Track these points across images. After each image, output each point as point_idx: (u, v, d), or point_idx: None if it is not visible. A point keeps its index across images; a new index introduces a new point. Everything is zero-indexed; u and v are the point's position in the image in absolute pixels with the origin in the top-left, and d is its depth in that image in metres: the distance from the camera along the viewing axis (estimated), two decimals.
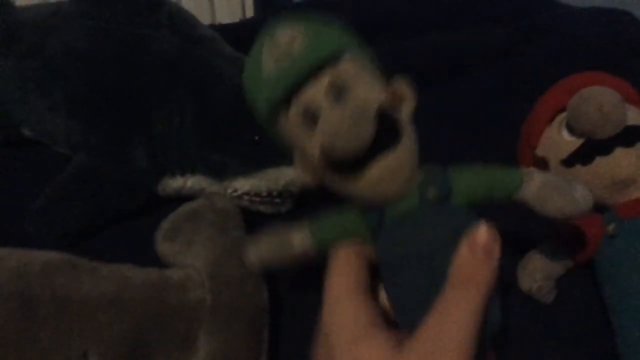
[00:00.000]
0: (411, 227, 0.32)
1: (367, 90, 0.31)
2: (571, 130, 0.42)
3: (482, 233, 0.29)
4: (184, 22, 0.52)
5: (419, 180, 0.32)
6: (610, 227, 0.40)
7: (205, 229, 0.43)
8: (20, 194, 0.50)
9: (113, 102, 0.50)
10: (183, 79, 0.49)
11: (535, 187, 0.32)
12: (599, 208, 0.41)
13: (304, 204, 0.50)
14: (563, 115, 0.43)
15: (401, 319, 0.33)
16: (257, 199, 0.49)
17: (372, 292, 0.34)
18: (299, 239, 0.35)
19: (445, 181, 0.32)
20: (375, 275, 0.34)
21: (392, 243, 0.32)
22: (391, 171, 0.31)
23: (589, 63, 0.52)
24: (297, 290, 0.45)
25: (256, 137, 0.46)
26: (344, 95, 0.30)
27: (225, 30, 0.56)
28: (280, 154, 0.46)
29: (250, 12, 0.85)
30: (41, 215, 0.48)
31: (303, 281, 0.46)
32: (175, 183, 0.49)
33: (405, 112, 0.33)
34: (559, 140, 0.43)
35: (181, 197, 0.49)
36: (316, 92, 0.31)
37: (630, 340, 0.37)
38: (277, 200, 0.49)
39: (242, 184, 0.48)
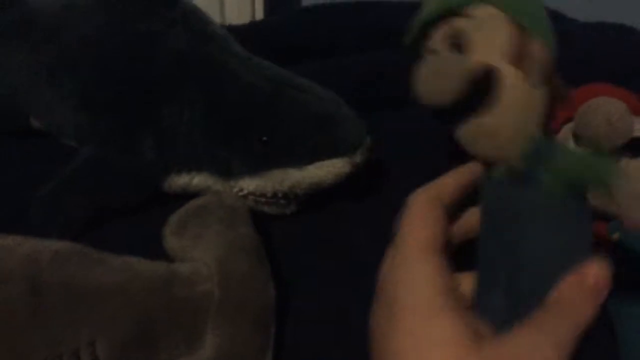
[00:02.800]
0: (496, 195, 0.31)
1: (477, 51, 0.31)
2: (578, 140, 0.43)
3: (595, 272, 0.28)
4: (197, 20, 0.53)
5: (522, 148, 0.31)
6: (615, 236, 0.40)
7: (213, 224, 0.43)
8: (27, 184, 0.50)
9: (123, 96, 0.50)
10: (194, 75, 0.49)
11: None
12: (604, 217, 0.42)
13: (309, 206, 0.51)
14: (570, 125, 0.44)
15: (477, 294, 0.31)
16: (262, 199, 0.49)
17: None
18: None
19: (541, 156, 0.30)
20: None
21: (483, 207, 0.32)
22: (484, 133, 0.31)
23: (594, 77, 0.52)
24: (304, 284, 0.45)
25: (264, 138, 0.47)
26: (464, 49, 0.31)
27: (234, 32, 0.56)
28: (287, 156, 0.47)
29: (260, 14, 0.86)
30: (46, 204, 0.49)
31: (309, 278, 0.46)
32: (182, 180, 0.50)
33: (532, 74, 0.31)
34: None
35: (187, 195, 0.49)
36: (464, 24, 0.32)
37: (633, 349, 0.37)
38: (282, 201, 0.49)
39: (248, 184, 0.48)
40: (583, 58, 0.68)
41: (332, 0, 0.80)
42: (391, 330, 0.28)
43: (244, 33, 0.63)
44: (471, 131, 0.32)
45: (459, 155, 0.33)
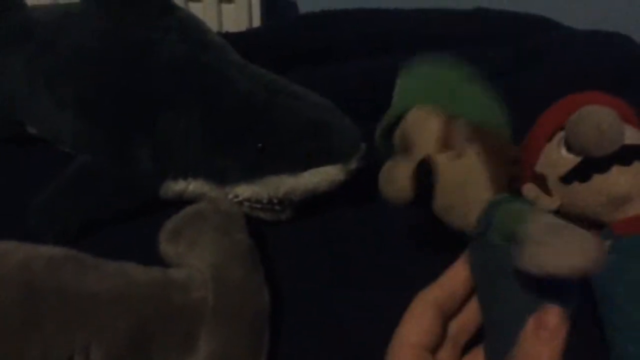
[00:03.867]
0: (471, 260, 0.35)
1: (415, 147, 0.37)
2: (569, 148, 0.43)
3: (551, 316, 0.29)
4: (194, 28, 0.53)
5: (477, 214, 0.35)
6: (607, 244, 0.40)
7: (208, 230, 0.43)
8: (23, 191, 0.51)
9: (119, 104, 0.51)
10: (190, 84, 0.49)
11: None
12: (596, 225, 0.42)
13: (304, 212, 0.51)
14: (562, 133, 0.44)
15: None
16: (258, 205, 0.49)
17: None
18: None
19: (490, 216, 0.34)
20: None
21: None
22: (441, 211, 0.36)
23: (589, 85, 0.53)
24: (298, 290, 0.45)
25: (259, 145, 0.47)
26: (408, 150, 0.38)
27: (231, 39, 0.57)
28: (282, 163, 0.47)
29: (257, 22, 0.86)
30: (42, 211, 0.49)
31: (304, 284, 0.46)
32: (178, 186, 0.50)
33: (462, 151, 0.36)
34: (557, 157, 0.44)
35: (183, 201, 0.49)
36: (405, 127, 0.39)
37: (624, 357, 0.37)
38: (277, 207, 0.50)
39: (243, 190, 0.48)
40: (577, 65, 0.69)
41: (329, 7, 0.80)
42: None
43: (241, 41, 0.63)
44: (437, 210, 0.37)
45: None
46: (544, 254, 0.28)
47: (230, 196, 0.49)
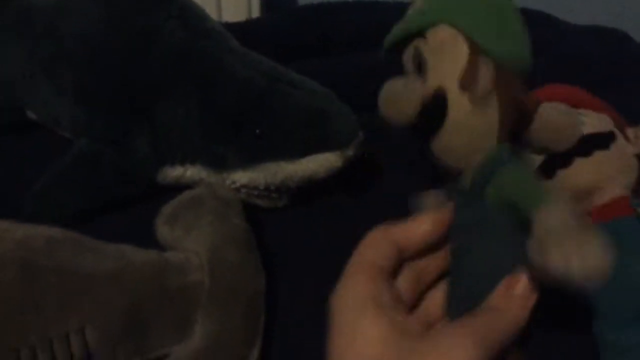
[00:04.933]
0: (456, 206, 0.33)
1: (431, 74, 0.33)
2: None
3: (523, 282, 0.29)
4: (193, 15, 0.53)
5: (475, 163, 0.32)
6: (638, 210, 0.41)
7: (205, 215, 0.43)
8: (22, 177, 0.51)
9: (119, 90, 0.51)
10: (189, 71, 0.50)
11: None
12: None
13: (301, 199, 0.51)
14: None
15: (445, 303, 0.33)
16: (255, 192, 0.50)
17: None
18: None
19: (490, 170, 0.32)
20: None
21: (453, 216, 0.33)
22: (441, 150, 0.33)
23: (584, 80, 0.53)
24: (294, 276, 0.46)
25: (257, 131, 0.47)
26: (422, 72, 0.33)
27: (231, 29, 0.57)
28: (280, 149, 0.47)
29: (256, 12, 0.86)
30: (40, 197, 0.49)
31: (300, 271, 0.47)
32: (175, 172, 0.50)
33: (481, 93, 0.32)
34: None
35: (180, 186, 0.49)
36: (422, 47, 0.33)
37: (605, 342, 0.38)
38: (274, 194, 0.50)
39: (241, 177, 0.49)
40: (573, 60, 0.69)
41: None
42: (331, 333, 0.30)
43: (240, 31, 0.63)
44: (434, 147, 0.34)
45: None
46: (559, 261, 0.27)
47: (228, 182, 0.49)
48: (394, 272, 0.32)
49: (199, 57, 0.50)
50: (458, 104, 0.32)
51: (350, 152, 0.47)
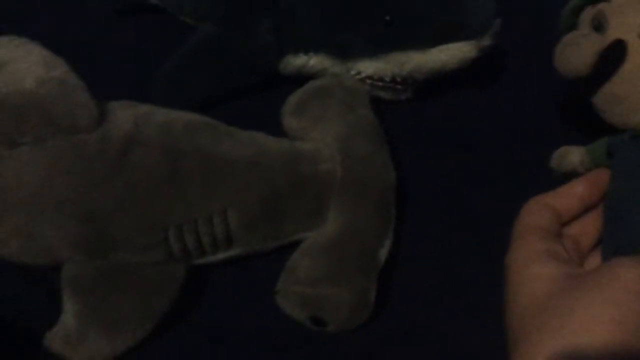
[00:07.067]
0: (621, 155, 0.35)
1: (612, 30, 0.37)
2: None
3: None
4: None
5: None
6: None
7: (333, 105, 0.43)
8: (146, 62, 0.51)
9: None
10: None
11: None
12: None
13: (426, 94, 0.49)
14: None
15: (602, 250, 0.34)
16: (380, 83, 0.48)
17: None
18: (577, 156, 0.39)
19: None
20: None
21: (612, 167, 0.35)
22: (613, 98, 0.37)
23: None
24: (420, 178, 0.45)
25: (387, 18, 0.45)
26: (601, 30, 0.37)
27: None
28: (410, 38, 0.45)
29: None
30: (166, 82, 0.49)
31: (422, 166, 0.46)
32: (298, 61, 0.49)
33: None
34: None
35: (302, 77, 0.48)
36: (605, 8, 0.38)
37: None
38: (399, 86, 0.48)
39: (367, 67, 0.47)
40: None
41: None
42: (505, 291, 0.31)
43: None
44: (603, 98, 0.37)
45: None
46: None
47: (353, 72, 0.47)
48: (559, 236, 0.33)
49: None
50: (637, 53, 0.35)
51: (486, 41, 0.44)
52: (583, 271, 0.30)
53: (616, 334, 0.25)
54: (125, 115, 0.36)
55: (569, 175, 0.39)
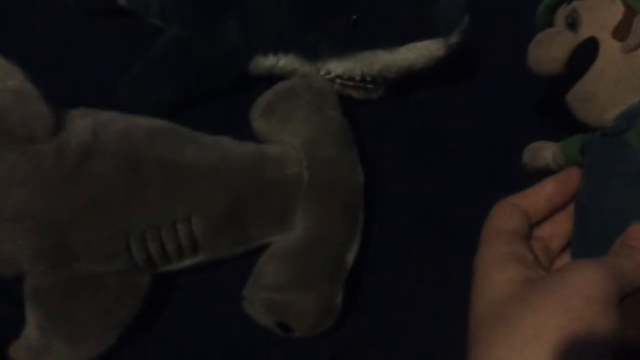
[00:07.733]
0: (593, 155, 0.35)
1: (585, 28, 0.36)
2: None
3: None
4: None
5: (617, 112, 0.35)
6: None
7: (301, 107, 0.42)
8: (114, 65, 0.50)
9: None
10: None
11: None
12: None
13: (397, 92, 0.49)
14: None
15: (571, 247, 0.35)
16: (350, 82, 0.47)
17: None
18: (550, 152, 0.39)
19: (632, 118, 0.33)
20: None
21: (586, 166, 0.35)
22: (584, 96, 0.36)
23: None
24: (389, 174, 0.45)
25: (353, 17, 0.44)
26: (575, 27, 0.37)
27: None
28: (377, 37, 0.44)
29: None
30: (134, 86, 0.49)
31: (394, 165, 0.45)
32: (268, 62, 0.48)
33: (633, 46, 0.35)
34: None
35: (272, 77, 0.48)
36: (578, 6, 0.38)
37: None
38: (370, 85, 0.48)
39: (336, 66, 0.46)
40: None
41: None
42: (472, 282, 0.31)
43: None
44: (575, 95, 0.37)
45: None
46: None
47: (322, 72, 0.47)
48: (528, 238, 0.33)
49: None
50: (609, 51, 0.35)
51: (454, 39, 0.44)
52: (543, 275, 0.30)
53: (561, 342, 0.25)
54: (83, 123, 0.36)
55: (542, 171, 0.39)
